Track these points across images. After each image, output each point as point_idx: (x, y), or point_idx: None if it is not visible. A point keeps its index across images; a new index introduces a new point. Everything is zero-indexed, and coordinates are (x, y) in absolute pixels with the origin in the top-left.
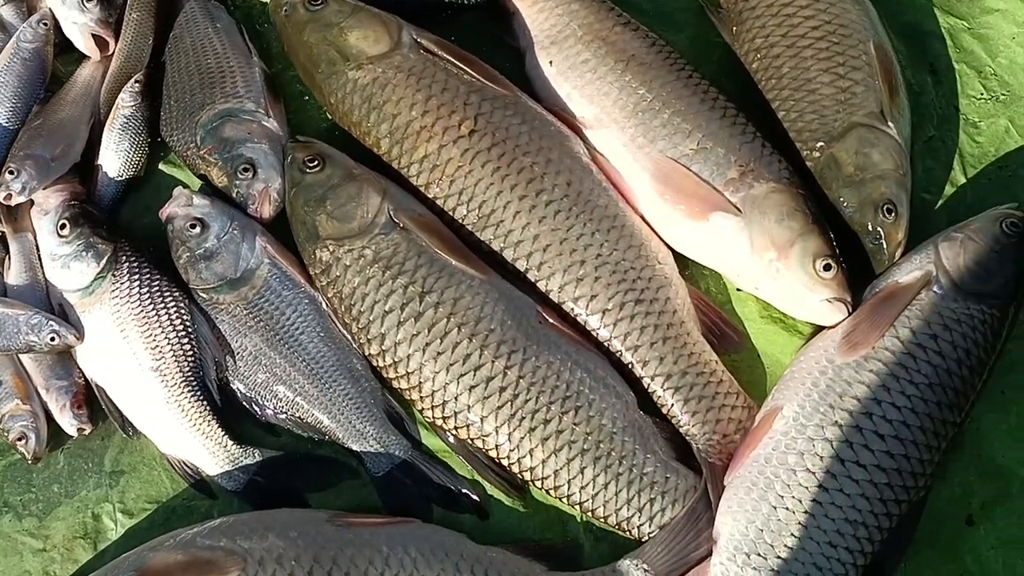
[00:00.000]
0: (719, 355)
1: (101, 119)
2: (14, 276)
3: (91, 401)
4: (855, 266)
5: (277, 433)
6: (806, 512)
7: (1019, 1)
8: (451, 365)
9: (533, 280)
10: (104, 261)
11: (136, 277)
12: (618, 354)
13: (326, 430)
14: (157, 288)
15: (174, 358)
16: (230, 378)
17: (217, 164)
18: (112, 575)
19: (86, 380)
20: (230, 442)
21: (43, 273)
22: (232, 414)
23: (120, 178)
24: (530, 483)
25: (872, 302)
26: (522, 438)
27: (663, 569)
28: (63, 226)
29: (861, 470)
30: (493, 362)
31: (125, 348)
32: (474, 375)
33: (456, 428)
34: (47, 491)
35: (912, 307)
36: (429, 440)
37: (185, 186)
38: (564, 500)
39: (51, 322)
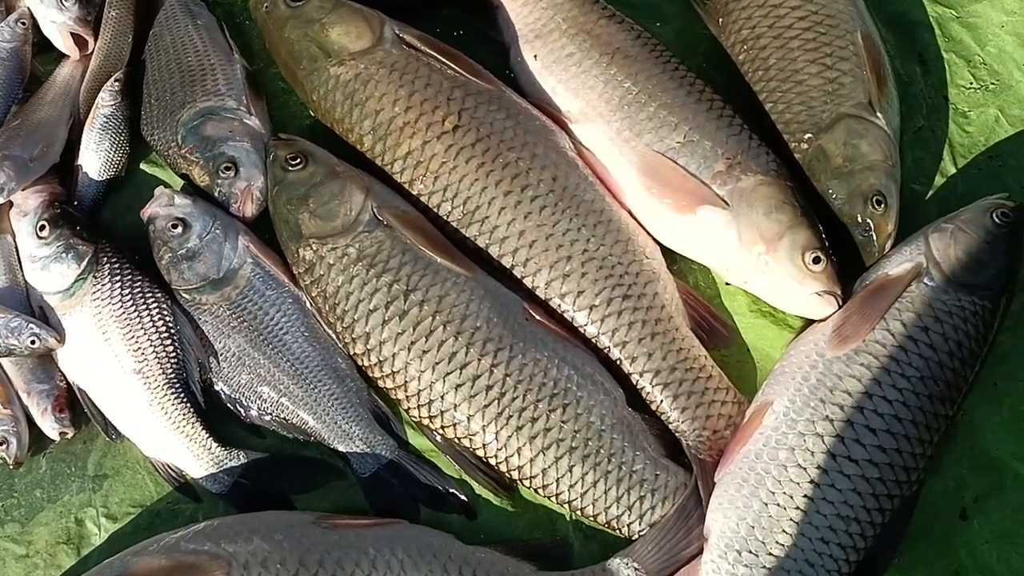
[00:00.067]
0: (708, 350)
1: (81, 119)
2: None
3: (73, 404)
4: (845, 259)
5: (262, 435)
6: (798, 508)
7: None
8: (437, 364)
9: (519, 276)
10: (85, 263)
11: (118, 278)
12: (606, 350)
13: (311, 431)
14: (139, 289)
15: (157, 360)
16: (214, 379)
17: (199, 163)
18: None
19: (68, 383)
20: (214, 444)
21: (23, 275)
22: (216, 416)
23: (101, 178)
24: (518, 482)
25: (862, 295)
26: (509, 436)
27: (654, 567)
28: (42, 228)
29: (853, 465)
30: (479, 360)
31: (107, 350)
32: (460, 373)
33: (443, 427)
34: (29, 496)
35: (903, 299)
36: (416, 440)
37: (167, 186)
38: (553, 499)
39: (31, 325)
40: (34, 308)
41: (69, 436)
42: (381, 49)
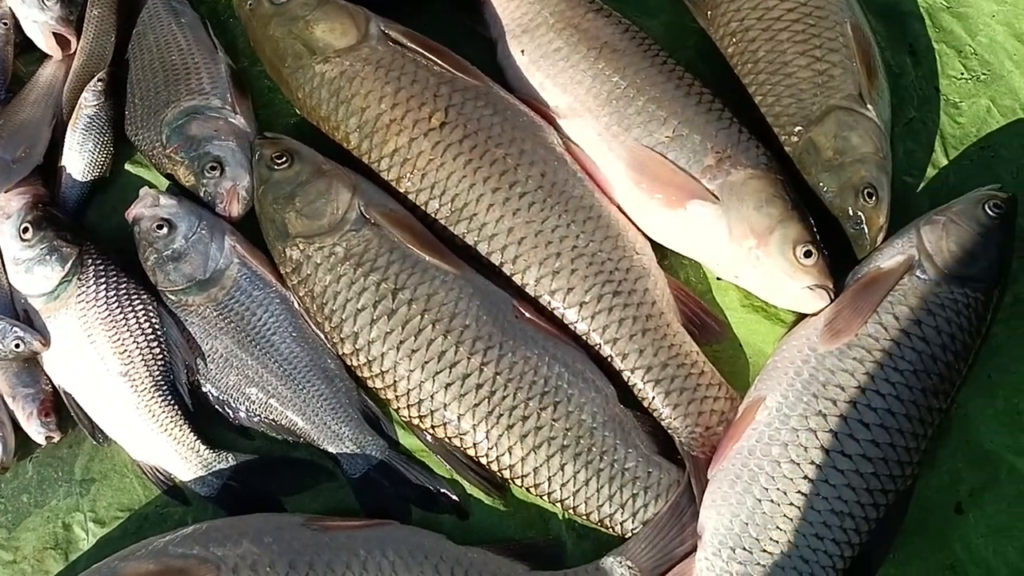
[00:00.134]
0: (700, 346)
1: (64, 119)
2: None
3: (59, 408)
4: (836, 252)
5: (251, 436)
6: (792, 504)
7: None
8: (426, 363)
9: (508, 274)
10: (69, 265)
11: (103, 280)
12: (597, 347)
13: (301, 432)
14: (124, 291)
15: (143, 362)
16: (201, 381)
17: (184, 163)
18: None
19: (53, 387)
20: (203, 447)
21: (6, 278)
22: (204, 418)
23: (85, 179)
24: (510, 481)
25: (854, 288)
26: (500, 435)
27: (647, 565)
28: (26, 230)
29: (846, 460)
30: (469, 359)
31: (93, 353)
32: (450, 372)
33: (433, 427)
34: (16, 501)
35: (895, 292)
36: (406, 440)
37: (152, 186)
38: (545, 498)
39: (16, 328)
40: (19, 311)
41: (56, 440)
42: (367, 46)
